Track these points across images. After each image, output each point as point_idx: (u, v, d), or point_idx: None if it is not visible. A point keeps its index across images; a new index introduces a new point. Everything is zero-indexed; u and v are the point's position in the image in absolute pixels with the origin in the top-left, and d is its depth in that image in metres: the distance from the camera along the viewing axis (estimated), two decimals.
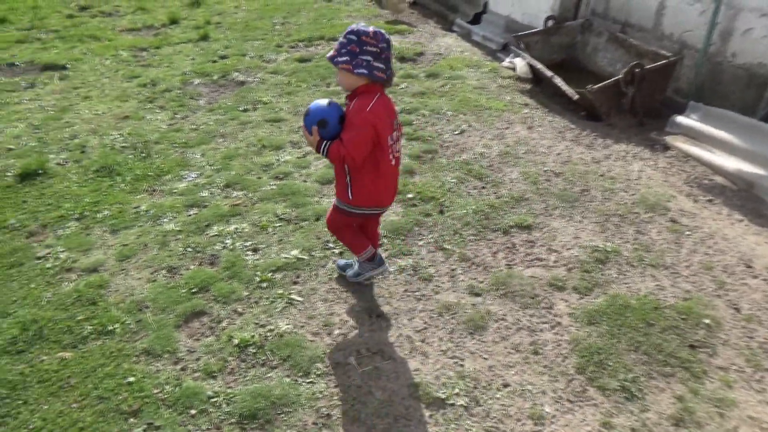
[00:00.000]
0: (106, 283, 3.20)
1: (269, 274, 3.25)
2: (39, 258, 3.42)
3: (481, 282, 3.21)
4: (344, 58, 2.48)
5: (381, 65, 2.49)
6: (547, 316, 2.96)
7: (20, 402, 2.46)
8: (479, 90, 5.96)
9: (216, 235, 3.62)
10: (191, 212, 3.88)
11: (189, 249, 3.49)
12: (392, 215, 3.81)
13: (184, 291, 3.13)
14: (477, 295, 3.11)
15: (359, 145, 2.52)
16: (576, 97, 5.29)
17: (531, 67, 6.12)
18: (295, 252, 3.44)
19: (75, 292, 3.11)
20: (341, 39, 2.52)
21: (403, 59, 6.99)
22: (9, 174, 4.33)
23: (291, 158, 4.59)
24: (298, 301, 3.07)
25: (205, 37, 8.09)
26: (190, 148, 4.79)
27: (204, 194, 4.08)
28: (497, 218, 3.78)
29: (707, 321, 2.95)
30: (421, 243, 3.54)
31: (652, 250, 3.50)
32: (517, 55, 6.54)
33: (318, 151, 2.61)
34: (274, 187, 4.16)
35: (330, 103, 2.62)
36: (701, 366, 2.70)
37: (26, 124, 5.24)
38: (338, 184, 2.79)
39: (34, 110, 5.58)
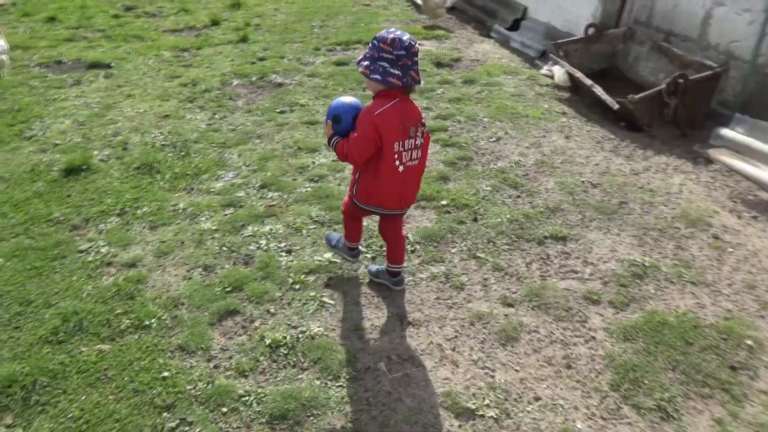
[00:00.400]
0: (143, 278, 3.28)
1: (302, 276, 3.27)
2: (81, 251, 3.52)
3: (515, 292, 3.17)
4: (365, 63, 2.58)
5: (397, 72, 2.53)
6: (581, 330, 2.91)
7: (60, 391, 2.54)
8: (516, 97, 5.90)
9: (251, 235, 3.67)
10: (227, 212, 3.94)
11: (224, 248, 3.55)
12: (425, 221, 3.81)
13: (218, 289, 3.18)
14: (510, 305, 3.08)
15: (359, 145, 2.60)
16: (616, 106, 5.19)
17: (570, 75, 6.04)
18: (328, 255, 3.46)
19: (114, 286, 3.19)
20: (370, 43, 2.61)
21: (439, 64, 6.98)
22: (55, 169, 4.47)
23: (326, 161, 4.63)
24: (329, 304, 3.09)
25: (244, 39, 8.22)
26: (228, 149, 4.87)
27: (240, 194, 4.15)
28: (532, 228, 3.73)
29: (749, 342, 2.86)
30: (454, 251, 3.52)
31: (692, 267, 3.41)
32: (555, 63, 6.46)
33: (329, 144, 2.77)
34: (309, 189, 4.20)
35: (351, 102, 2.72)
36: (742, 388, 2.61)
37: (72, 121, 5.40)
38: (352, 175, 2.91)
39: (80, 107, 5.75)
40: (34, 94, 6.06)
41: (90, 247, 3.55)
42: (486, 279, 3.28)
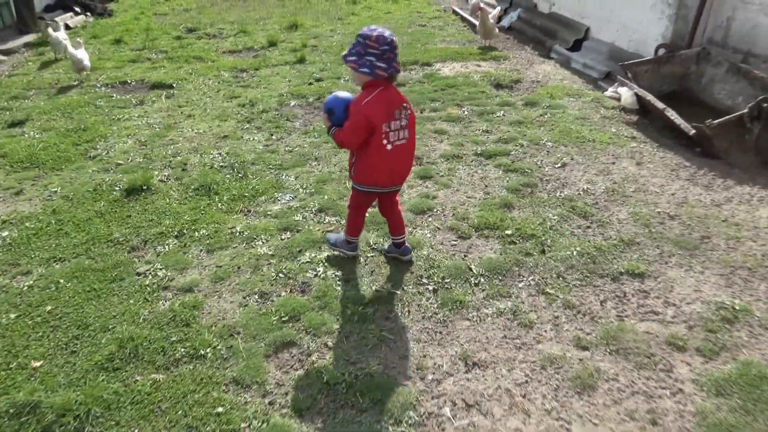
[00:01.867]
0: (200, 304, 3.21)
1: (360, 308, 3.13)
2: (139, 274, 3.49)
3: (589, 334, 2.93)
4: (352, 58, 2.90)
5: (383, 65, 2.86)
6: (667, 381, 2.64)
7: (113, 423, 2.46)
8: (581, 120, 5.65)
9: (308, 261, 3.57)
10: (284, 236, 3.85)
11: (281, 275, 3.45)
12: (489, 252, 3.61)
13: (275, 319, 3.07)
14: (584, 348, 2.84)
15: (352, 132, 2.97)
16: (692, 132, 4.88)
17: (638, 97, 5.74)
18: (387, 285, 3.31)
19: (170, 311, 3.14)
20: (355, 40, 2.91)
21: (499, 86, 6.80)
22: (117, 188, 4.51)
23: None
24: (389, 338, 2.93)
25: (301, 60, 8.27)
26: (285, 170, 4.82)
27: (297, 218, 4.06)
28: (605, 263, 3.48)
29: None
30: (521, 285, 3.31)
31: None
32: (622, 85, 6.17)
33: (328, 133, 3.14)
34: (366, 214, 4.07)
35: (341, 95, 3.07)
36: None
37: (134, 141, 5.49)
38: (349, 162, 3.25)
39: (142, 127, 5.85)
40: (100, 114, 6.22)
41: (147, 270, 3.52)
42: (557, 317, 3.05)
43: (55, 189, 4.55)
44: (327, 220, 4.04)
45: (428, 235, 3.82)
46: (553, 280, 3.33)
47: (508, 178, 4.54)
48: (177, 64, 8.26)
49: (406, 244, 3.54)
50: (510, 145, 5.14)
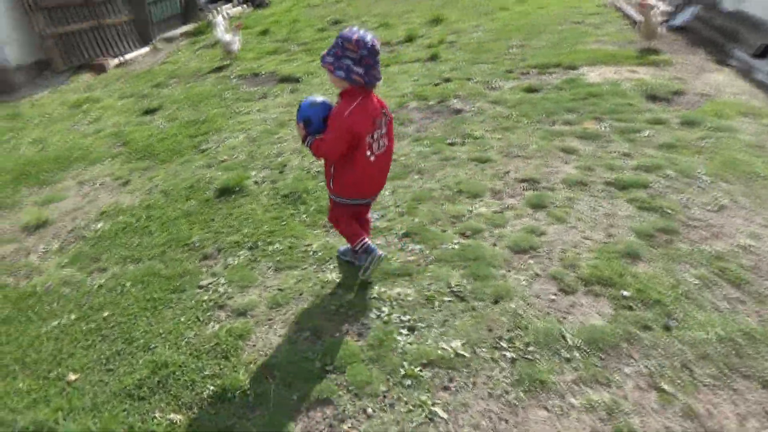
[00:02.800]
0: (247, 333, 2.92)
1: (417, 368, 2.62)
2: (201, 287, 3.31)
3: None
4: (329, 59, 2.71)
5: (359, 70, 2.65)
6: None
7: None
8: (755, 149, 4.50)
9: (375, 297, 3.13)
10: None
11: (342, 308, 3.05)
12: (594, 316, 2.88)
13: (318, 365, 2.68)
14: None
15: (334, 146, 2.76)
16: None
17: None
18: (456, 343, 2.76)
19: (215, 338, 2.89)
20: (334, 41, 2.71)
21: (653, 98, 5.74)
22: (211, 187, 4.44)
23: (486, 211, 3.90)
24: (441, 418, 2.39)
25: (434, 57, 7.79)
26: None
27: (379, 241, 3.63)
28: (756, 358, 2.59)
29: None
30: (627, 371, 2.56)
31: None
32: None
33: (303, 143, 2.88)
34: (456, 246, 3.53)
35: (319, 102, 2.83)
36: None
37: (245, 136, 5.44)
38: (326, 174, 3.03)
39: (257, 122, 5.80)
40: (223, 106, 6.31)
41: (210, 284, 3.33)
42: (669, 429, 2.29)
43: (158, 183, 4.60)
44: (410, 248, 3.56)
45: (523, 283, 3.17)
46: (675, 372, 2.54)
47: (640, 218, 3.69)
48: (312, 57, 8.23)
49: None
50: (652, 174, 4.22)
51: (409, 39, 8.94)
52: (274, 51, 8.66)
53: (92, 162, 5.12)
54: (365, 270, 3.14)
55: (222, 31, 8.19)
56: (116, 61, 8.79)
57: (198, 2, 11.47)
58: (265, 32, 10.05)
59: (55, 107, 6.91)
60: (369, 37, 2.65)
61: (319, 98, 2.86)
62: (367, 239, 3.12)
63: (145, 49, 9.53)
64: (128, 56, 9.02)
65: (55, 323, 3.06)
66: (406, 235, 3.69)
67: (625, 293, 3.02)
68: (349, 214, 3.15)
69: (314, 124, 2.82)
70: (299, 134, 2.91)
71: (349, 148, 2.78)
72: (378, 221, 3.88)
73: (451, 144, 5.04)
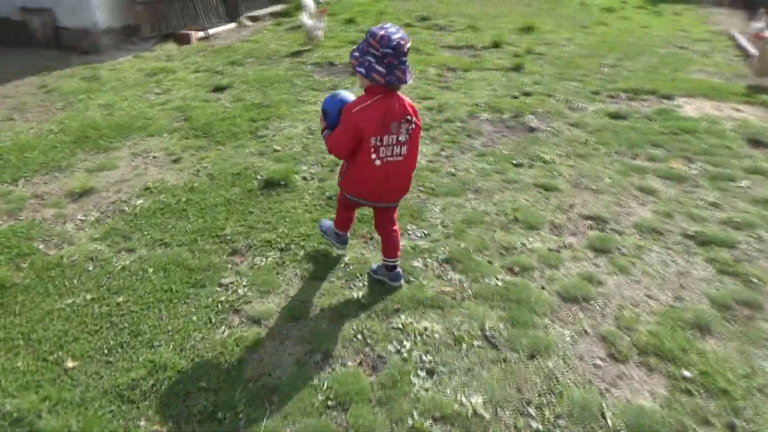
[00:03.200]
0: (257, 345, 2.72)
1: (427, 423, 2.33)
2: (221, 285, 3.14)
3: None
4: (355, 54, 2.58)
5: (381, 69, 2.51)
6: None
7: None
8: None
9: (398, 328, 2.85)
10: (390, 284, 3.17)
11: (359, 335, 2.79)
12: (645, 396, 2.47)
13: (321, 397, 2.44)
14: None
15: (338, 141, 2.68)
16: None
17: None
18: (477, 399, 2.44)
19: (221, 345, 2.70)
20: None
21: (756, 143, 5.10)
22: (258, 178, 4.29)
23: (541, 247, 3.53)
24: None
25: (517, 68, 7.36)
26: (434, 197, 4.10)
27: (416, 264, 3.35)
28: None
29: None
30: None
31: None
32: None
33: (321, 135, 2.85)
34: (500, 282, 3.18)
35: (339, 96, 2.76)
36: None
37: (305, 127, 5.28)
38: (341, 165, 2.97)
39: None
40: (291, 93, 6.18)
41: (231, 283, 3.15)
42: None
43: (207, 165, 4.50)
44: (450, 277, 3.25)
45: (567, 339, 2.79)
46: None
47: (719, 284, 3.20)
48: None
49: (399, 269, 3.14)
50: (742, 233, 3.69)
51: (495, 45, 8.53)
52: (355, 41, 8.47)
53: (150, 134, 5.11)
54: (325, 236, 3.35)
55: (307, 16, 8.11)
56: (201, 34, 8.90)
57: None
58: (350, 21, 9.91)
59: (132, 73, 7.03)
60: (396, 35, 2.48)
61: (343, 92, 2.80)
62: (346, 235, 3.27)
63: (231, 25, 9.62)
64: (213, 30, 9.12)
65: (69, 301, 2.97)
66: (447, 261, 3.38)
67: (687, 373, 2.59)
68: (352, 209, 3.15)
69: (330, 116, 2.76)
70: (321, 126, 2.88)
71: (355, 145, 2.67)
72: (420, 240, 3.59)
73: (517, 165, 4.66)
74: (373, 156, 2.68)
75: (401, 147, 2.72)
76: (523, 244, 3.56)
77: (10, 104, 5.93)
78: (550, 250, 3.51)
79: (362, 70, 2.55)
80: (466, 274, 3.26)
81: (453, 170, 4.54)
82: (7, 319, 2.86)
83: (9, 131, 5.19)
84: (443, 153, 4.87)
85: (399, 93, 2.65)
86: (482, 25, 9.96)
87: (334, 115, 2.73)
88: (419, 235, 3.65)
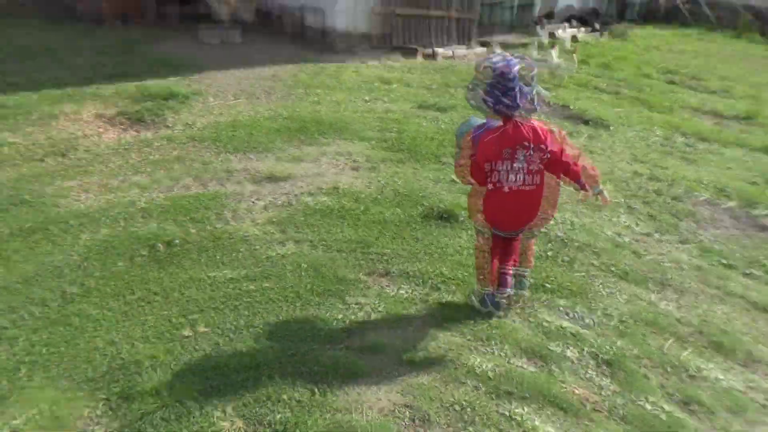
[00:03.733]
0: (352, 377, 2.59)
1: None
2: (345, 303, 3.08)
3: None
4: (470, 85, 2.76)
5: (489, 99, 2.63)
6: None
7: None
8: None
9: (507, 415, 2.45)
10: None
11: (458, 406, 2.47)
12: None
13: None
14: None
15: (458, 164, 2.84)
16: None
17: None
18: None
19: (302, 383, 2.63)
20: None
21: None
22: (436, 208, 4.07)
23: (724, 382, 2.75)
24: None
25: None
26: (624, 282, 3.49)
27: (568, 353, 2.86)
28: None
29: None
30: None
31: None
32: None
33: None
34: (663, 416, 2.56)
35: (475, 122, 2.84)
36: None
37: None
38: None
39: None
40: None
41: (355, 304, 3.07)
42: None
43: (397, 180, 4.49)
44: (598, 382, 2.71)
45: None
46: None
47: None
48: (624, 101, 7.25)
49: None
50: None
51: (748, 116, 7.12)
52: (595, 87, 7.84)
53: (361, 138, 5.28)
54: (474, 304, 3.08)
55: (557, 53, 7.87)
56: (437, 51, 9.09)
57: (533, 16, 11.36)
58: (606, 67, 9.13)
59: (365, 78, 7.37)
60: (500, 64, 2.57)
61: (474, 119, 2.90)
62: (492, 291, 3.01)
63: (464, 48, 9.64)
64: (446, 50, 9.25)
65: (213, 274, 3.20)
66: (608, 363, 2.83)
67: None
68: (488, 245, 2.98)
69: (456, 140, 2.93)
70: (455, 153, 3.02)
71: (478, 175, 2.77)
72: (583, 327, 3.06)
73: (729, 266, 3.77)
74: (489, 181, 2.76)
75: (526, 176, 2.73)
76: (717, 379, 2.81)
77: (263, 86, 6.70)
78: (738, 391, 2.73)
79: (473, 102, 2.72)
80: (621, 386, 2.69)
81: (658, 258, 3.81)
82: (156, 273, 3.18)
83: (251, 109, 5.85)
84: (637, 228, 4.19)
85: (524, 118, 2.66)
86: (738, 89, 8.40)
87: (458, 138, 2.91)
88: (583, 323, 3.12)
